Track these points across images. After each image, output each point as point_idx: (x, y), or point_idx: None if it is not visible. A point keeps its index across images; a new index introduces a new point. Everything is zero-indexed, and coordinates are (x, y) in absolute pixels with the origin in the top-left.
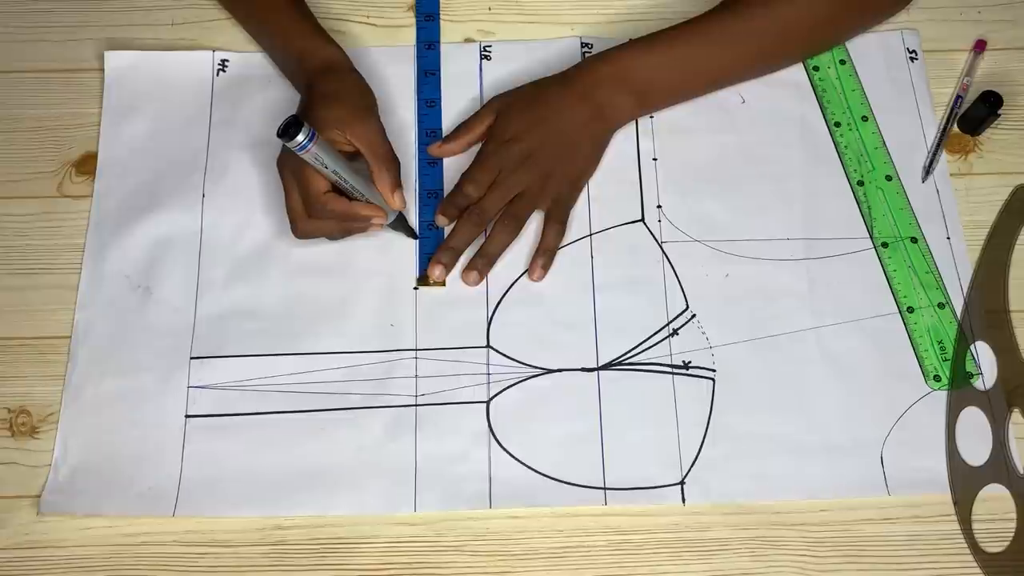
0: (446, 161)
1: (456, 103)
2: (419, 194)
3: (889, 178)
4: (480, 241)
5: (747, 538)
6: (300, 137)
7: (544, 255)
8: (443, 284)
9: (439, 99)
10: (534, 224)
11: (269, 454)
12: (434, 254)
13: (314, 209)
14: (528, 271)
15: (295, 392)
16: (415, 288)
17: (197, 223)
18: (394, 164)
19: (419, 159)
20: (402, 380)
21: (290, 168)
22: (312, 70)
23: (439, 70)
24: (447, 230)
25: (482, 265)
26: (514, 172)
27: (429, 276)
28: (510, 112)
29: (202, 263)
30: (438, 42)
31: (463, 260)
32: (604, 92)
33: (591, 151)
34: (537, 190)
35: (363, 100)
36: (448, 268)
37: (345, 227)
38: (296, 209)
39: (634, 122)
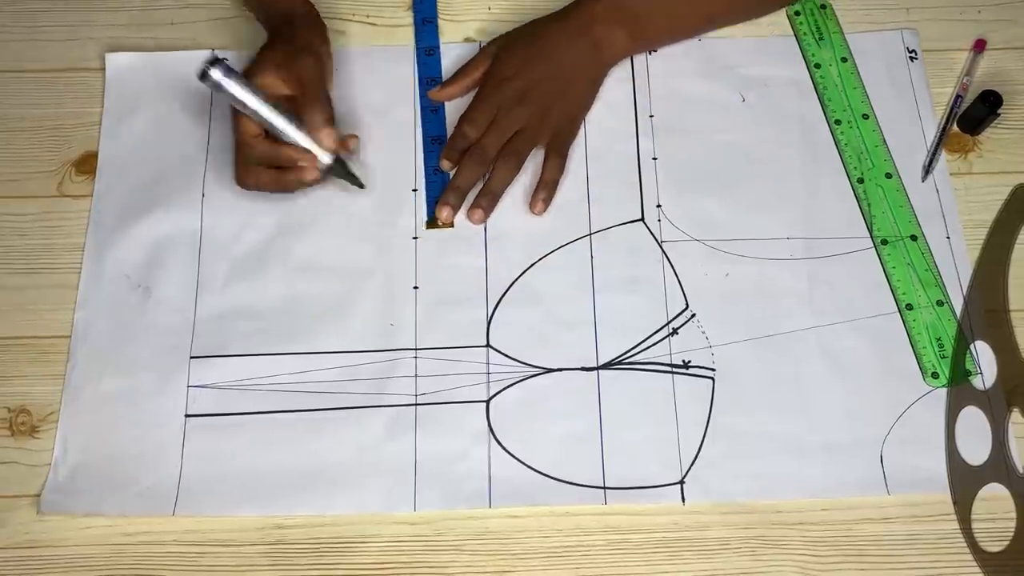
0: (448, 107)
1: (456, 103)
2: (423, 141)
3: (889, 176)
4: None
5: (747, 537)
6: (214, 74)
7: (545, 189)
8: (451, 226)
9: (442, 105)
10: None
11: (269, 453)
12: (441, 196)
13: (243, 155)
14: (530, 203)
15: (295, 392)
16: (426, 227)
17: (197, 223)
18: (326, 104)
19: (423, 152)
20: (402, 379)
21: (231, 115)
22: (273, 19)
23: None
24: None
25: (486, 203)
26: (511, 110)
27: (437, 218)
28: (506, 52)
29: (202, 263)
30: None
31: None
32: (599, 28)
33: (587, 87)
34: (536, 125)
35: (305, 42)
36: (455, 209)
37: (276, 176)
38: (235, 157)
39: (634, 121)
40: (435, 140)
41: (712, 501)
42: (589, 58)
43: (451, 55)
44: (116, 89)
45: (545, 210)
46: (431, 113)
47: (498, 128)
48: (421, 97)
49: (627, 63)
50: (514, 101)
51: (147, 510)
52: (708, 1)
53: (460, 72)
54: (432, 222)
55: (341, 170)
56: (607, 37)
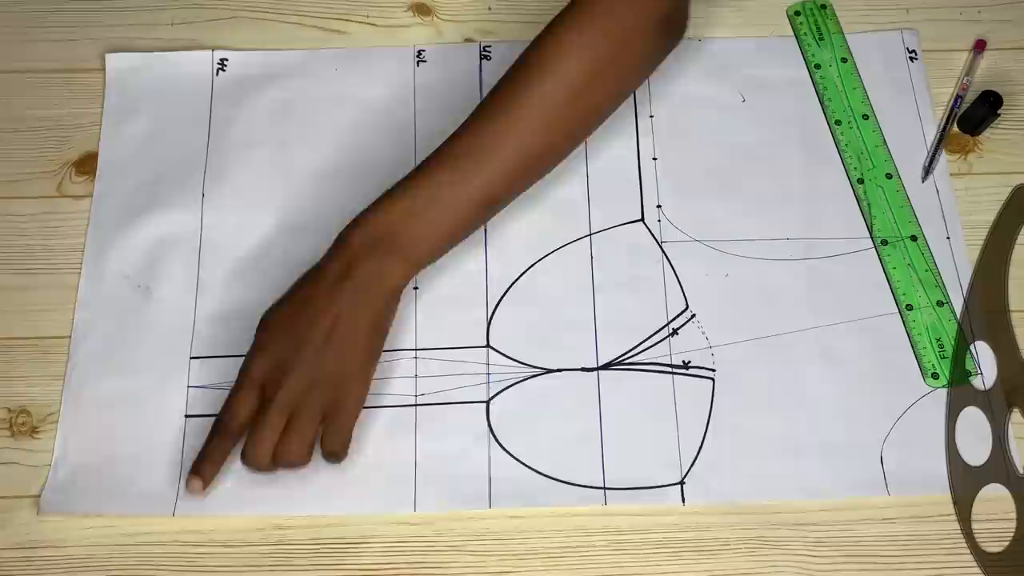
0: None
1: (457, 103)
2: None
3: (889, 176)
4: None
5: (747, 538)
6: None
7: (333, 458)
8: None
9: None
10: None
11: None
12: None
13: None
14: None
15: None
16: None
17: (197, 223)
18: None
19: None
20: (402, 380)
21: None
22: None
23: None
24: None
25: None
26: (280, 387)
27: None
28: (265, 320)
29: (202, 263)
30: None
31: None
32: (364, 267)
33: (364, 337)
34: (306, 409)
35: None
36: (206, 481)
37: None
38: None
39: (634, 121)
40: None
41: (712, 502)
42: (359, 302)
43: (449, 58)
44: (116, 89)
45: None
46: None
47: (262, 429)
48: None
49: None
50: (281, 376)
51: (147, 510)
52: (479, 192)
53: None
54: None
55: None
56: (374, 275)
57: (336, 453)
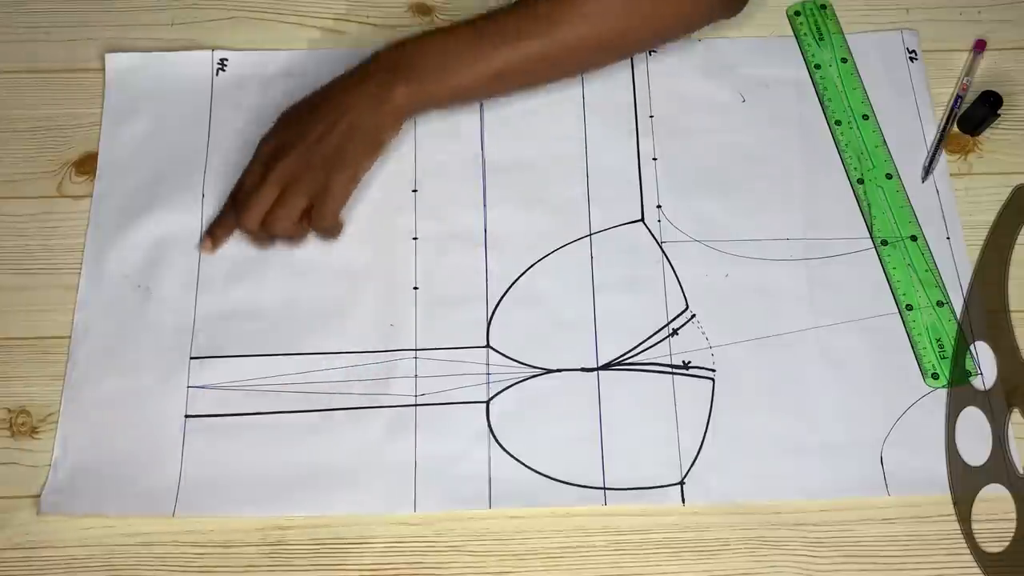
0: None
1: None
2: None
3: (889, 176)
4: None
5: (747, 538)
6: None
7: (320, 227)
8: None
9: None
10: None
11: (269, 454)
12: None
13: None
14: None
15: (295, 392)
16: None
17: (197, 223)
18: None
19: None
20: (402, 380)
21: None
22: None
23: None
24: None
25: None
26: (284, 158)
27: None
28: (290, 108)
29: (202, 263)
30: None
31: None
32: (382, 78)
33: (371, 138)
34: (298, 184)
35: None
36: (216, 245)
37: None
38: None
39: (634, 121)
40: None
41: (712, 502)
42: (370, 108)
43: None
44: (116, 89)
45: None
46: None
47: (261, 192)
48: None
49: (627, 64)
50: (288, 148)
51: (147, 511)
52: (496, 60)
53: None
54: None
55: None
56: (387, 89)
57: (326, 229)
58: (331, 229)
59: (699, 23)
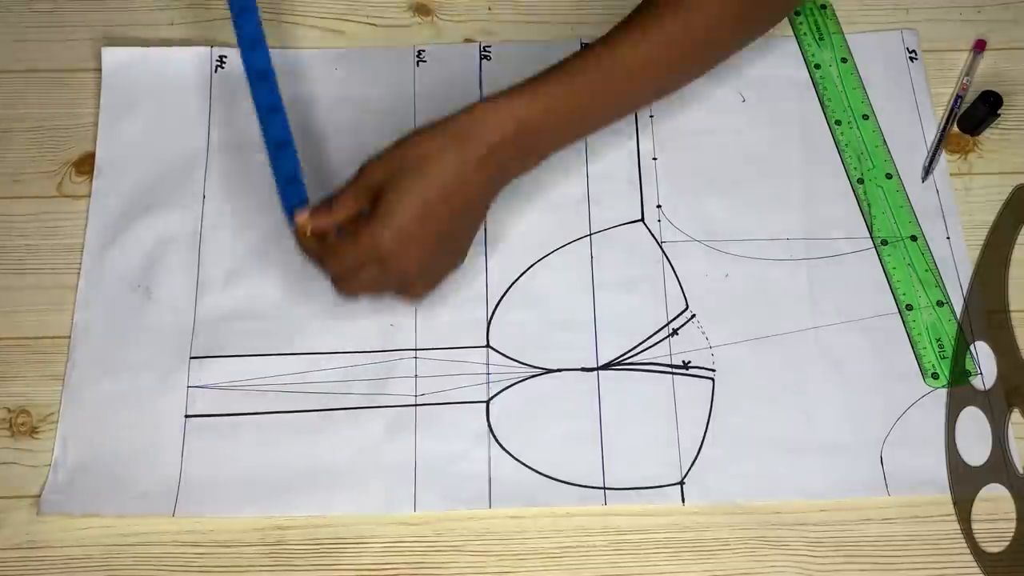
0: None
1: (456, 103)
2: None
3: (889, 176)
4: None
5: (747, 538)
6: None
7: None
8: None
9: (279, 102)
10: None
11: (269, 454)
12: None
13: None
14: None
15: (295, 392)
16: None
17: (197, 223)
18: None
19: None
20: (402, 380)
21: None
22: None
23: (271, 71)
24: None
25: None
26: (376, 275)
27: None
28: (393, 196)
29: (202, 263)
30: (262, 38)
31: None
32: (500, 160)
33: (478, 216)
34: (421, 281)
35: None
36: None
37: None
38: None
39: (634, 121)
40: (272, 109)
41: (712, 502)
42: (486, 188)
43: (449, 58)
44: (113, 85)
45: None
46: (271, 114)
47: (352, 283)
48: (256, 96)
49: None
50: (384, 282)
51: (147, 511)
52: (605, 110)
53: (336, 202)
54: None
55: None
56: (506, 167)
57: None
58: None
59: (779, 19)
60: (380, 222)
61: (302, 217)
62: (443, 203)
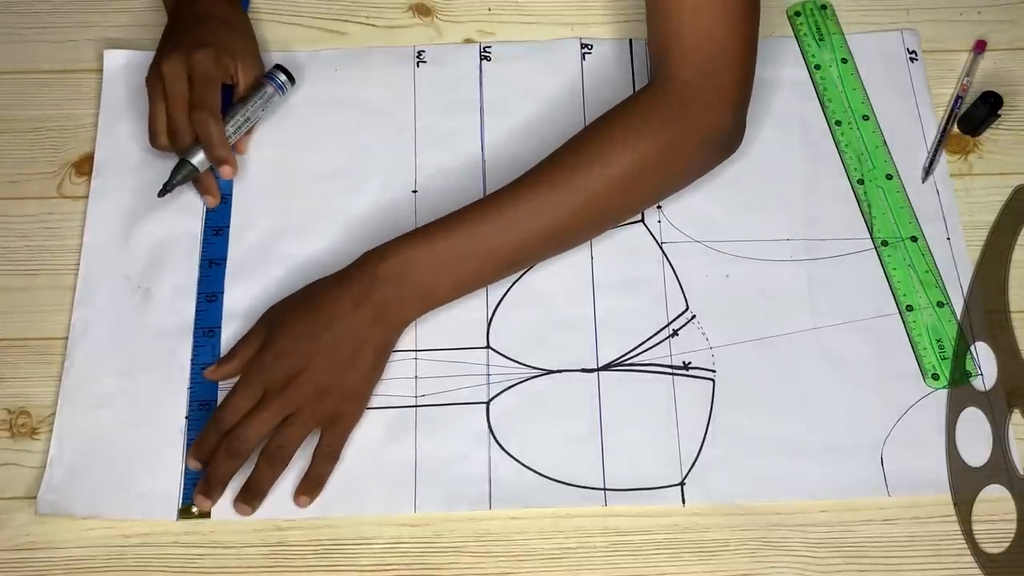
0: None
1: (457, 103)
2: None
3: (889, 177)
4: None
5: (747, 539)
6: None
7: (310, 487)
8: (208, 515)
9: (227, 227)
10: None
11: None
12: (197, 484)
13: (186, 120)
14: (294, 497)
15: None
16: (176, 520)
17: (198, 223)
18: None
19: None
20: (402, 381)
21: (199, 71)
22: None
23: (224, 260)
24: None
25: (250, 499)
26: (281, 392)
27: (193, 505)
28: (280, 323)
29: (202, 263)
30: (227, 227)
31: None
32: (383, 294)
33: (373, 359)
34: (309, 411)
35: (252, 33)
36: (214, 500)
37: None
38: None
39: None
40: (211, 298)
41: (712, 503)
42: (374, 327)
43: (449, 58)
44: (113, 87)
45: (307, 504)
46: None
47: (262, 414)
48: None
49: (627, 61)
50: (284, 381)
51: (147, 513)
52: (503, 251)
53: (238, 346)
54: (186, 509)
55: (176, 170)
56: (393, 302)
57: (329, 462)
58: (335, 458)
59: (705, 169)
60: (267, 344)
61: (210, 372)
62: (326, 326)
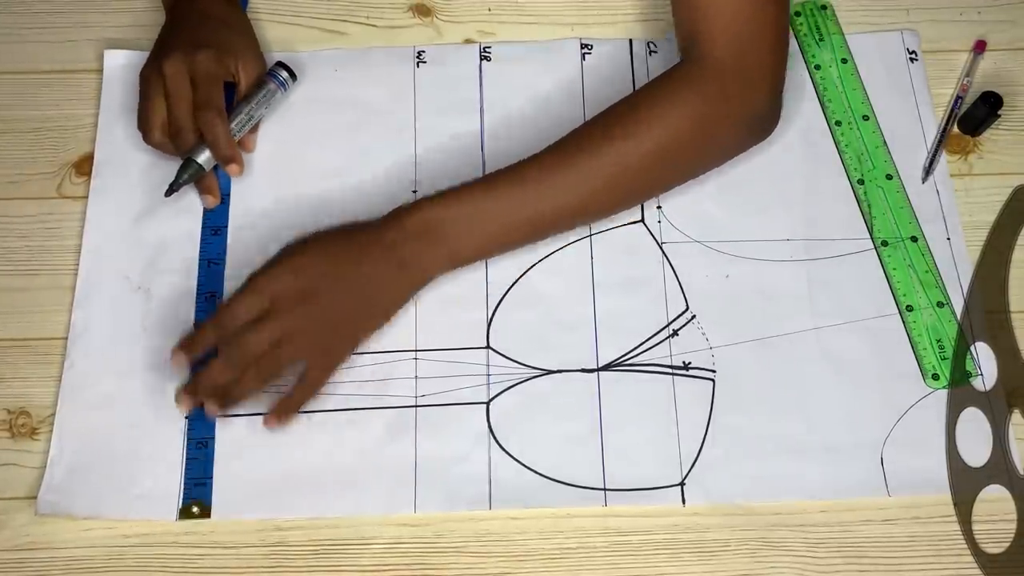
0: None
1: (457, 103)
2: (199, 264)
3: (889, 177)
4: None
5: (747, 539)
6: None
7: (286, 409)
8: (208, 515)
9: (225, 227)
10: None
11: (269, 455)
12: (186, 384)
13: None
14: (264, 417)
15: None
16: (176, 520)
17: (198, 224)
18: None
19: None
20: (402, 381)
21: (202, 71)
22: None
23: (223, 259)
24: None
25: (224, 404)
26: (289, 311)
27: (176, 403)
28: (305, 246)
29: (202, 263)
30: (225, 227)
31: None
32: (412, 246)
33: (386, 308)
34: (309, 338)
35: (252, 32)
36: (196, 404)
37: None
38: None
39: None
40: (212, 263)
41: (712, 503)
42: (397, 277)
43: (449, 58)
44: (113, 87)
45: (277, 427)
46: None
47: (268, 327)
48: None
49: (627, 61)
50: (294, 300)
51: (148, 513)
52: (532, 217)
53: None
54: (187, 508)
55: (182, 170)
56: (418, 257)
57: (309, 393)
58: (306, 397)
59: (739, 150)
60: (285, 260)
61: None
62: (354, 262)
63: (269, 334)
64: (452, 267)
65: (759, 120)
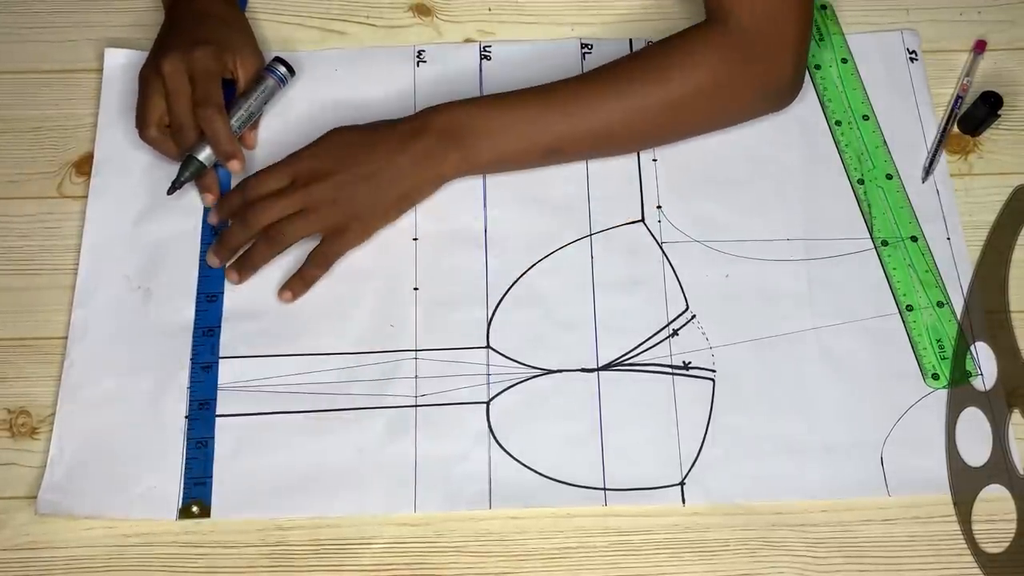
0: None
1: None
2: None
3: (889, 177)
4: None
5: (747, 539)
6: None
7: (300, 282)
8: (208, 515)
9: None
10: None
11: (270, 455)
12: (212, 244)
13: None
14: (279, 290)
15: (296, 393)
16: (176, 520)
17: (197, 223)
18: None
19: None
20: (402, 381)
21: (200, 68)
22: None
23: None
24: None
25: (242, 270)
26: (304, 187)
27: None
28: (333, 134)
29: (202, 264)
30: (225, 227)
31: None
32: (431, 143)
33: (398, 197)
34: (321, 213)
35: (249, 29)
36: (222, 261)
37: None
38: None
39: None
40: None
41: (712, 502)
42: (413, 169)
43: (449, 58)
44: (113, 86)
45: (292, 300)
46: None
47: (280, 201)
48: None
49: None
50: (312, 177)
51: (148, 513)
52: (551, 137)
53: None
54: (187, 508)
55: (184, 167)
56: (433, 152)
57: (321, 268)
58: (322, 269)
59: (758, 114)
60: (314, 144)
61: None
62: (372, 149)
63: (282, 207)
64: (467, 171)
65: (777, 91)
